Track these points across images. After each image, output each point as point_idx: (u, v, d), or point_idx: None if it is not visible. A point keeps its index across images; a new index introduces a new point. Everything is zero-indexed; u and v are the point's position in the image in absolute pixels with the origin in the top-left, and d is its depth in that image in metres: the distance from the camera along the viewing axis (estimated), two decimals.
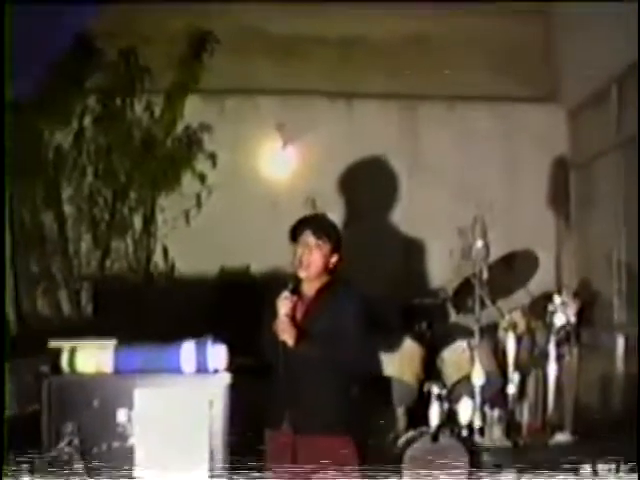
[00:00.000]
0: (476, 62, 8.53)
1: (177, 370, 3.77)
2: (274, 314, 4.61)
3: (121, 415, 3.73)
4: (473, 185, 8.35)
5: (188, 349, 3.78)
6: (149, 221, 8.23)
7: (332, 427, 4.57)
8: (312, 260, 4.69)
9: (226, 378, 3.73)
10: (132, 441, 3.72)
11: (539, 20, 8.61)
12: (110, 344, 3.87)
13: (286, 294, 4.60)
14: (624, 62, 7.21)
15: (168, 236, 8.13)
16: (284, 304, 4.58)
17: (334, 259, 4.76)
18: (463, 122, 8.58)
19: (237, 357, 4.05)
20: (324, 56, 8.53)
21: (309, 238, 4.71)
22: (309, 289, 4.73)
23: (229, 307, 7.64)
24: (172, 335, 3.94)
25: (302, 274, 4.67)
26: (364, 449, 4.64)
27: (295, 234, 4.78)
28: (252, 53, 8.36)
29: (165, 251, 8.20)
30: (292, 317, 4.58)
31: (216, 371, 3.78)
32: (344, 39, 8.56)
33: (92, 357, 3.84)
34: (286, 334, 4.53)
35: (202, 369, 3.77)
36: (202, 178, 8.16)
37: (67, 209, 8.10)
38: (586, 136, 8.37)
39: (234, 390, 3.80)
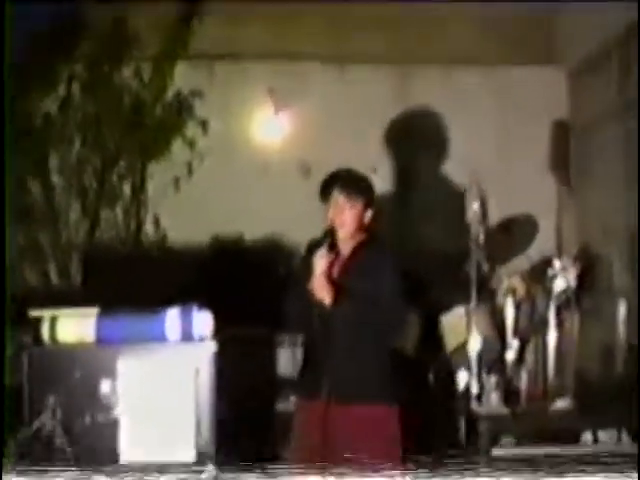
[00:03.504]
0: (471, 25, 8.37)
1: (162, 338, 3.63)
2: (303, 279, 4.40)
3: (105, 386, 3.59)
4: (470, 151, 8.18)
5: (173, 316, 3.63)
6: (139, 189, 8.05)
7: (376, 394, 4.38)
8: (344, 220, 4.46)
9: (212, 346, 3.58)
10: (116, 413, 3.58)
11: None
12: (92, 312, 3.73)
13: (322, 251, 4.39)
14: (625, 22, 7.04)
15: (159, 205, 7.94)
16: (321, 262, 4.35)
17: (368, 215, 4.56)
18: (458, 86, 8.39)
19: (231, 326, 3.92)
20: (316, 20, 8.35)
21: (339, 198, 4.49)
22: (345, 247, 4.52)
23: (223, 276, 7.53)
24: (164, 305, 3.80)
25: (339, 232, 4.47)
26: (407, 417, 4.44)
27: (325, 192, 4.56)
28: (241, 17, 8.17)
29: (156, 220, 8.04)
30: (329, 275, 4.37)
31: (202, 339, 3.63)
32: (336, 3, 8.37)
33: (74, 326, 3.71)
34: (323, 292, 4.32)
35: (187, 337, 3.62)
36: (193, 145, 7.98)
37: (55, 178, 7.92)
38: (587, 99, 8.21)
39: (228, 359, 3.67)
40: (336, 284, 4.33)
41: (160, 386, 3.56)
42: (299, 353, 5.71)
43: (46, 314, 3.75)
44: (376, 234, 4.59)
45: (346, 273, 4.43)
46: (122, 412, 3.58)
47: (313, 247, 4.50)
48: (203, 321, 3.65)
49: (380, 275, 4.39)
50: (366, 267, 4.42)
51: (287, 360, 6.45)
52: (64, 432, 3.57)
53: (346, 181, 4.52)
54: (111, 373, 3.59)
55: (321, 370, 4.34)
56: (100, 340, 3.67)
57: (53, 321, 3.72)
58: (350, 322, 4.33)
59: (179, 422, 3.54)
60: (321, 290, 4.30)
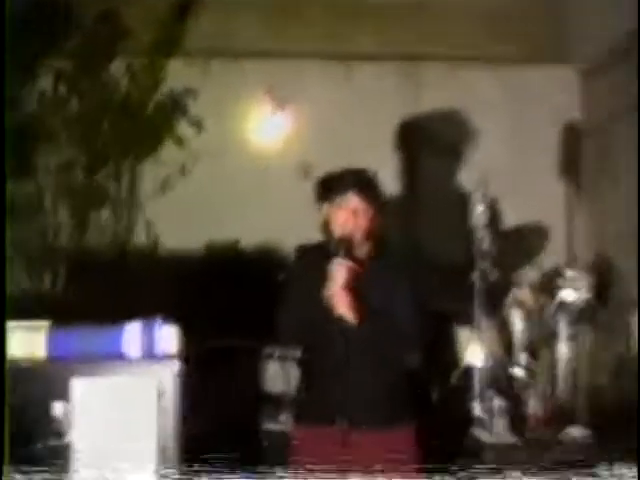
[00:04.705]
0: (479, 23, 8.10)
1: (121, 355, 3.23)
2: (304, 289, 3.96)
3: (57, 408, 3.19)
4: (477, 153, 7.83)
5: (133, 330, 3.22)
6: (131, 192, 7.74)
7: (398, 415, 3.95)
8: (360, 226, 4.03)
9: (177, 364, 3.17)
10: (70, 438, 3.18)
11: None
12: (44, 325, 3.33)
13: (341, 261, 3.93)
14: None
15: (151, 207, 7.61)
16: (340, 273, 3.84)
17: (379, 220, 4.11)
18: (466, 86, 8.06)
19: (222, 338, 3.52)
20: (316, 16, 8.07)
21: (353, 200, 4.04)
22: (356, 256, 4.08)
23: (216, 284, 7.18)
24: (149, 315, 3.41)
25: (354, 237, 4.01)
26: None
27: (331, 191, 4.10)
28: (239, 12, 7.89)
29: (148, 224, 7.68)
30: (350, 289, 3.82)
31: (166, 356, 3.22)
32: None
33: (24, 341, 3.30)
34: (346, 308, 3.89)
35: (150, 353, 3.22)
36: (186, 145, 7.61)
37: (41, 179, 7.55)
38: (599, 100, 7.86)
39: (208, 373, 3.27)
40: (357, 299, 3.89)
41: (119, 409, 3.15)
42: (291, 367, 5.32)
43: None
44: (384, 241, 4.17)
45: (360, 285, 3.98)
46: (77, 438, 3.17)
47: (307, 253, 4.09)
48: (168, 336, 3.23)
49: (395, 286, 3.95)
50: (381, 278, 3.97)
51: (276, 375, 6.04)
52: (12, 460, 3.16)
53: (363, 183, 4.07)
54: (65, 394, 3.18)
55: (337, 393, 3.89)
56: (53, 356, 3.26)
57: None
58: (371, 339, 3.87)
59: (140, 450, 3.13)
60: (343, 306, 3.85)
